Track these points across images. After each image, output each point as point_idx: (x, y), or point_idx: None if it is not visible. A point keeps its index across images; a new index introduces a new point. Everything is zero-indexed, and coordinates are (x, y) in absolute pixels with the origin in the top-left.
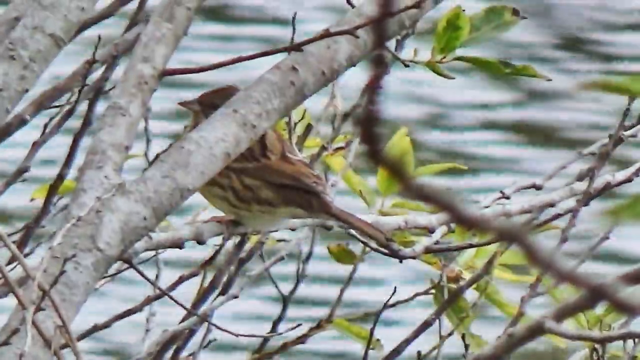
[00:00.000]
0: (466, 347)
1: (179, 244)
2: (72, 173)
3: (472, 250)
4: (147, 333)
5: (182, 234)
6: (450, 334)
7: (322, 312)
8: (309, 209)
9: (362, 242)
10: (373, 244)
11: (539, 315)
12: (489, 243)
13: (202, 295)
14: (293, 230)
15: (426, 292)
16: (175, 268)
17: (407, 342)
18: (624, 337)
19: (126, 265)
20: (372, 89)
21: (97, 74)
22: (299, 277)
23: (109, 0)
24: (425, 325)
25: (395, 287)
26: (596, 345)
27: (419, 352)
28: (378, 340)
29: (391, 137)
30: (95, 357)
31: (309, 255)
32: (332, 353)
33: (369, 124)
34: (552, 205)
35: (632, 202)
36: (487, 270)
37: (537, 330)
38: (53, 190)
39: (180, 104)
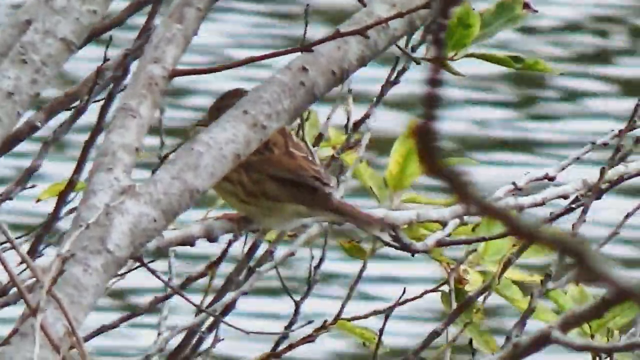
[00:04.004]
0: (473, 353)
1: (190, 242)
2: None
3: (480, 251)
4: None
5: (193, 231)
6: (455, 339)
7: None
8: (310, 205)
9: (375, 237)
10: (386, 239)
11: (545, 325)
12: (501, 236)
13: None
14: (305, 227)
15: (435, 290)
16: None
17: (416, 352)
18: (631, 348)
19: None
20: (429, 100)
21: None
22: (311, 282)
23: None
24: (434, 334)
25: (405, 288)
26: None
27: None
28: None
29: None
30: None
31: (321, 260)
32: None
33: (425, 138)
34: (565, 197)
35: None
36: (498, 278)
37: (543, 340)
38: (63, 196)
39: (196, 124)
